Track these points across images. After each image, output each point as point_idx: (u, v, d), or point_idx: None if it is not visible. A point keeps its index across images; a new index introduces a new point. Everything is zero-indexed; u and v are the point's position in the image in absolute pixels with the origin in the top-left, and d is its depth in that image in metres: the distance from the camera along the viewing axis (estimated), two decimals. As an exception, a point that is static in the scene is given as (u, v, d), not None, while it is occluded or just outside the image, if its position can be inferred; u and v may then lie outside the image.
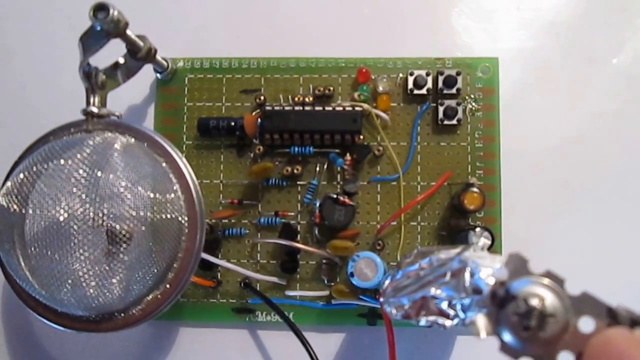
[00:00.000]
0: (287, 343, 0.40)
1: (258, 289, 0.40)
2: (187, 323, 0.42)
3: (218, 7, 0.44)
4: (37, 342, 0.43)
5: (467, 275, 0.27)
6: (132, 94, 0.41)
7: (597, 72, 0.42)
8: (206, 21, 0.44)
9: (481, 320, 0.25)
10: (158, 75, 0.41)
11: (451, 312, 0.27)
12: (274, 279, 0.39)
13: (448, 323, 0.28)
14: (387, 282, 0.32)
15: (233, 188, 0.41)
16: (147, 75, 0.41)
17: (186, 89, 0.42)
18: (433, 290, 0.28)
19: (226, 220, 0.41)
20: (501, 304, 0.24)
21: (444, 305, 0.27)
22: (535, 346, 0.24)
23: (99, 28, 0.32)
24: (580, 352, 0.23)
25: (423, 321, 0.28)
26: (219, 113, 0.42)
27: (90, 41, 0.33)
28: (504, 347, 0.24)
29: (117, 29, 0.32)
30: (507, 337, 0.24)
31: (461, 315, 0.27)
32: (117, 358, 0.42)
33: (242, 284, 0.40)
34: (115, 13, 0.31)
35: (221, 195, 0.40)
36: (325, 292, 0.40)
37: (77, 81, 0.35)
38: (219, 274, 0.40)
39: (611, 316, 0.23)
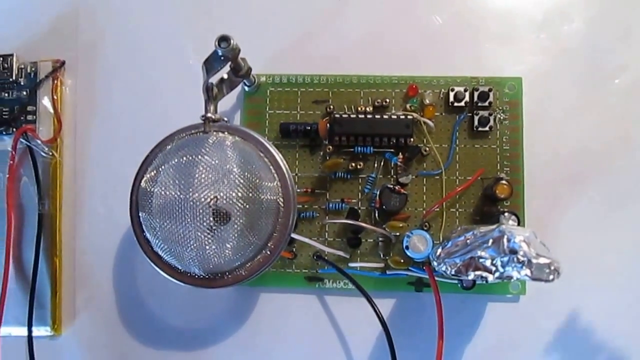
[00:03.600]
0: (349, 306, 0.47)
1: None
2: (267, 289, 0.48)
3: (294, 33, 0.50)
4: (142, 301, 0.49)
5: (505, 240, 0.35)
6: (222, 103, 0.45)
7: (602, 90, 0.48)
8: (284, 44, 0.50)
9: None
10: (246, 88, 0.48)
11: (493, 269, 0.35)
12: (340, 253, 0.46)
13: (490, 277, 0.35)
14: (439, 250, 0.40)
15: (306, 179, 0.47)
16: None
17: (268, 99, 0.48)
18: (479, 252, 0.36)
19: (300, 206, 0.47)
20: None
21: (488, 262, 0.35)
22: None
23: (220, 54, 0.39)
24: None
25: (472, 275, 0.36)
26: (295, 119, 0.48)
27: (212, 64, 0.39)
28: None
29: (233, 55, 0.40)
30: None
31: (500, 270, 0.35)
32: (207, 317, 0.48)
33: (314, 257, 0.46)
34: (235, 43, 0.38)
35: (296, 185, 0.46)
36: (381, 264, 0.46)
37: (190, 93, 0.44)
38: (294, 249, 0.47)
39: None
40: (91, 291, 0.50)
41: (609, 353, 0.46)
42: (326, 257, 0.47)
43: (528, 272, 0.33)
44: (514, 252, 0.34)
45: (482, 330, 0.47)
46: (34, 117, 0.50)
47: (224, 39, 0.39)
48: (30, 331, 0.48)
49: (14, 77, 0.50)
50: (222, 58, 0.40)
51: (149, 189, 0.40)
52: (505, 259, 0.34)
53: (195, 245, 0.38)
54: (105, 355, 0.49)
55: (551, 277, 0.33)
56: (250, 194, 0.39)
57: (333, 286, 0.47)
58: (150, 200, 0.39)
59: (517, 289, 0.46)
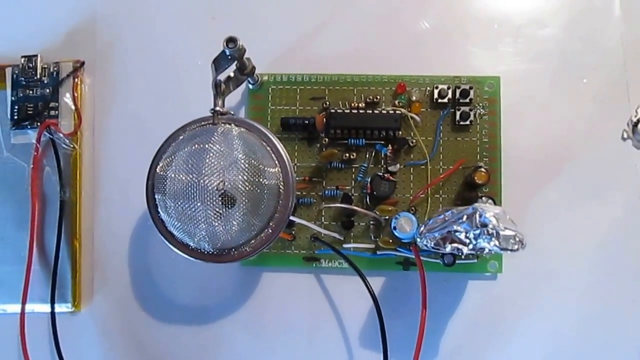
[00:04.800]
0: (343, 284, 0.51)
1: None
2: (268, 269, 0.51)
3: (294, 36, 0.54)
4: (154, 280, 0.53)
5: (477, 215, 0.39)
6: (228, 100, 0.48)
7: (572, 88, 0.52)
8: (285, 46, 0.54)
9: None
10: (250, 85, 0.52)
11: (467, 241, 0.39)
12: (335, 235, 0.50)
13: (465, 249, 0.39)
14: (422, 228, 0.44)
15: (304, 169, 0.51)
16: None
17: (270, 96, 0.52)
18: (455, 227, 0.40)
19: (299, 192, 0.50)
20: None
21: (462, 236, 0.39)
22: None
23: (227, 54, 0.43)
24: None
25: (449, 247, 0.40)
26: (294, 114, 0.52)
27: (220, 63, 0.43)
28: None
29: (239, 55, 0.44)
30: None
31: (473, 242, 0.39)
32: (214, 295, 0.52)
33: (312, 238, 0.50)
34: (241, 44, 0.43)
35: (295, 174, 0.47)
36: (372, 246, 0.50)
37: (198, 90, 0.48)
38: (293, 231, 0.51)
39: None
40: (108, 271, 0.53)
41: (578, 326, 0.51)
42: (323, 239, 0.51)
43: (496, 242, 0.37)
44: (484, 225, 0.38)
45: (463, 306, 0.51)
46: (56, 112, 0.54)
47: (231, 40, 0.43)
48: (53, 307, 0.52)
49: (38, 76, 0.54)
50: (230, 57, 0.44)
51: (163, 174, 0.44)
52: (477, 232, 0.38)
53: (205, 223, 0.42)
54: (120, 329, 0.53)
55: (516, 247, 0.37)
56: (254, 179, 0.43)
57: (329, 265, 0.51)
58: (164, 184, 0.43)
59: (494, 268, 0.50)
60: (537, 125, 0.52)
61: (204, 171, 0.42)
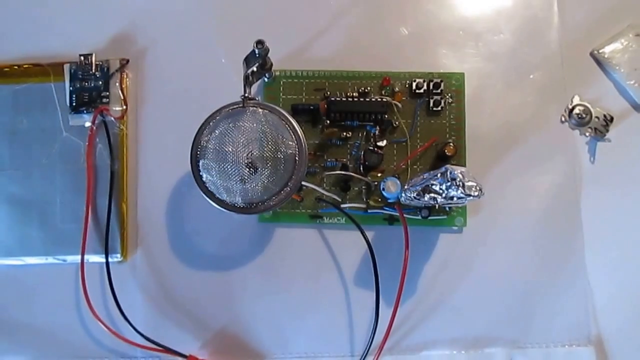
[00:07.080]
0: (341, 236, 0.60)
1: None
2: (281, 224, 0.60)
3: (301, 41, 0.63)
4: (186, 235, 0.61)
5: (448, 172, 0.50)
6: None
7: (521, 82, 0.61)
8: (294, 48, 0.63)
9: None
10: (265, 79, 0.62)
11: (440, 191, 0.50)
12: (335, 196, 0.59)
13: (439, 198, 0.50)
14: (407, 185, 0.56)
15: (310, 145, 0.58)
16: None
17: (282, 87, 0.60)
18: (431, 182, 0.51)
19: None
20: None
21: (437, 187, 0.50)
22: None
23: (256, 53, 0.53)
24: None
25: (426, 197, 0.51)
26: (301, 102, 0.60)
27: (250, 60, 0.53)
28: None
29: (265, 53, 0.54)
30: None
31: (445, 192, 0.50)
32: (237, 247, 0.60)
33: (317, 199, 0.60)
34: (267, 45, 0.53)
35: None
36: (364, 205, 0.58)
37: (221, 83, 0.60)
38: (302, 194, 0.59)
39: None
40: (149, 228, 0.62)
41: (526, 269, 0.62)
42: (326, 200, 0.59)
43: (462, 190, 0.49)
44: (453, 179, 0.49)
45: (435, 253, 0.60)
46: (107, 100, 0.64)
47: (260, 42, 0.53)
48: (107, 257, 0.62)
49: (92, 71, 0.65)
50: (258, 55, 0.54)
51: (205, 145, 0.54)
52: (448, 184, 0.49)
53: (239, 182, 0.53)
54: (157, 274, 0.62)
55: (476, 193, 0.49)
56: (277, 148, 0.51)
57: (330, 222, 0.60)
58: (206, 152, 0.54)
59: (460, 223, 0.61)
60: (493, 111, 0.61)
61: (239, 142, 0.53)
